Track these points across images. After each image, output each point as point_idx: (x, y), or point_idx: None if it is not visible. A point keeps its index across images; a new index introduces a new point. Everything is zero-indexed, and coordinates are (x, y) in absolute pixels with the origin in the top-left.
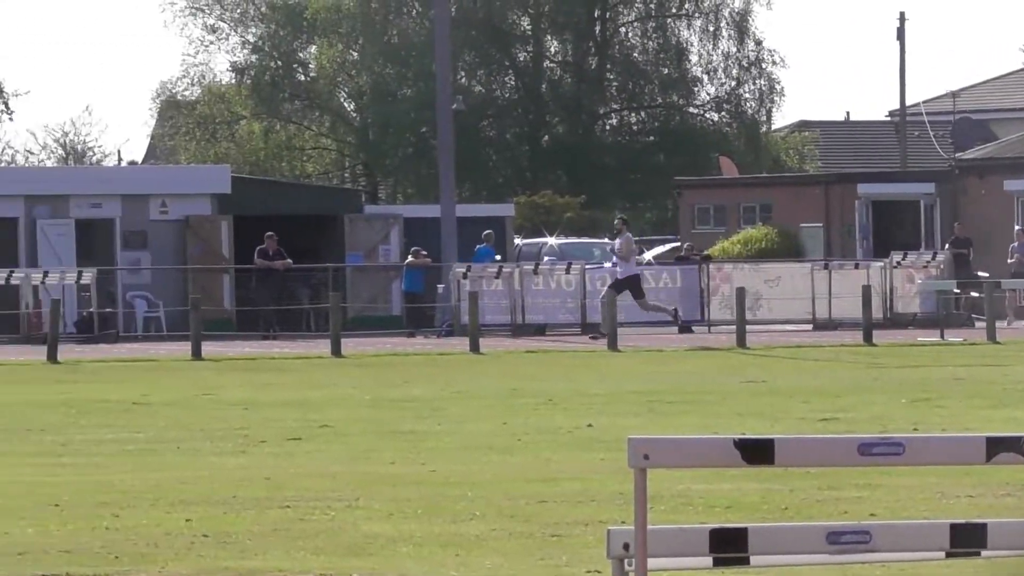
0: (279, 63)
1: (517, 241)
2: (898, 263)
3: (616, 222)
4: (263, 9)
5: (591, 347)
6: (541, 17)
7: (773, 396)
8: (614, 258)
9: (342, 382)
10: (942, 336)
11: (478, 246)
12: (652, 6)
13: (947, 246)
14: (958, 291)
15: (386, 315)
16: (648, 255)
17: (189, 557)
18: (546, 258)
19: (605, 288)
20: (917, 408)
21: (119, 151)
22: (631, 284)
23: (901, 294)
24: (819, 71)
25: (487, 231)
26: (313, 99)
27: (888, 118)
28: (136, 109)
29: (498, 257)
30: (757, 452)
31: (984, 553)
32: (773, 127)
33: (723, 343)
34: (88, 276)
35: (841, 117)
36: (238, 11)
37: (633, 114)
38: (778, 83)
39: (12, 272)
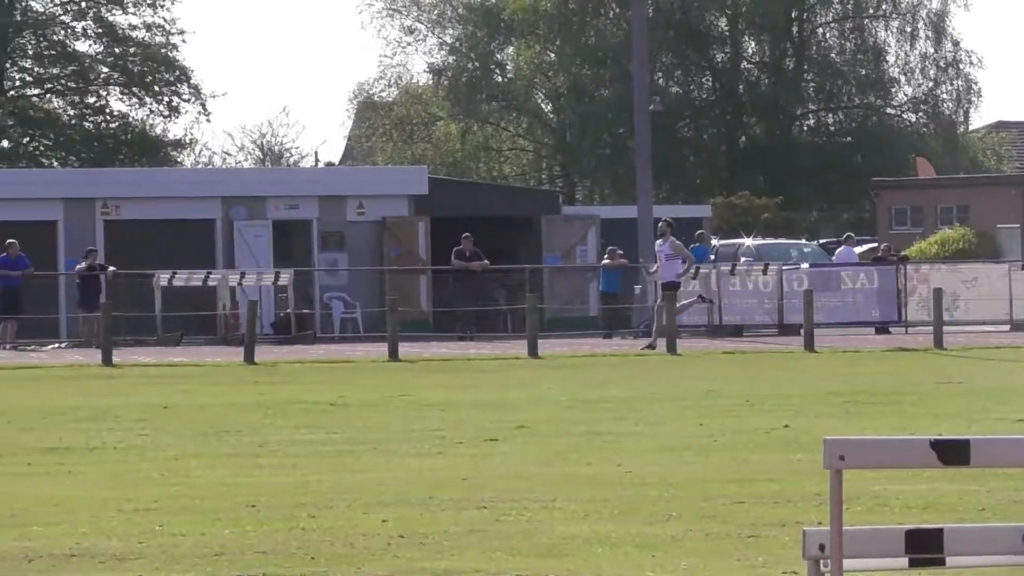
0: (476, 64)
1: (714, 242)
2: None
3: (661, 224)
4: (460, 10)
5: (788, 348)
6: (738, 18)
7: (970, 397)
8: (674, 260)
9: (539, 383)
10: None
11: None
12: (849, 7)
13: None
14: None
15: (583, 316)
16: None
17: (385, 558)
18: (743, 259)
19: (657, 300)
20: None
21: (316, 152)
22: (669, 288)
23: None
24: (1017, 71)
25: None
26: (510, 100)
27: None
28: (333, 110)
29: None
30: (953, 453)
31: None
32: (970, 128)
33: (920, 344)
34: (285, 277)
35: None
36: (435, 12)
37: (830, 115)
38: (975, 84)
39: (209, 274)
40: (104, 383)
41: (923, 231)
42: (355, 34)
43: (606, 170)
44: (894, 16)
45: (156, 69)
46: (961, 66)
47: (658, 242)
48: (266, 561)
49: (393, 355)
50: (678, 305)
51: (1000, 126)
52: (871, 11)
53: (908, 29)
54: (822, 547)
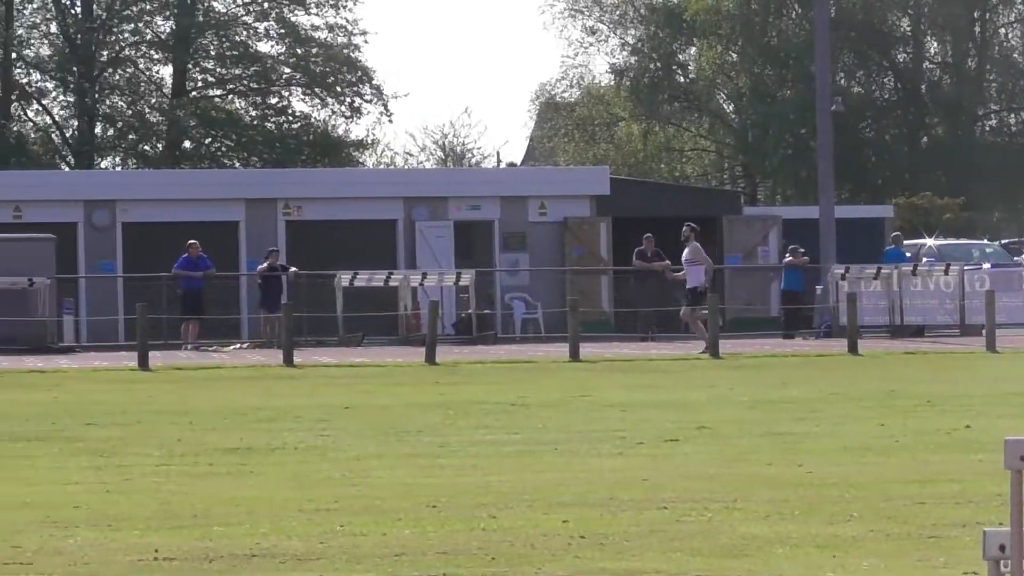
0: (658, 64)
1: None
2: None
3: (684, 230)
4: (642, 11)
5: (969, 348)
6: (921, 18)
7: None
8: (695, 266)
9: (720, 383)
10: None
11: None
12: None
13: None
14: None
15: (764, 316)
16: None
17: (566, 558)
18: (924, 259)
19: (683, 308)
20: None
21: (498, 153)
22: (694, 295)
23: None
24: None
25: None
26: (692, 101)
27: None
28: (515, 111)
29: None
30: None
31: None
32: None
33: None
34: (466, 278)
35: None
36: (617, 12)
37: (1013, 115)
38: None
39: (391, 274)
40: (285, 384)
41: None
42: (537, 35)
43: (788, 170)
44: None
45: (338, 70)
46: None
47: (685, 250)
48: (446, 561)
49: (574, 355)
50: (699, 321)
51: None
52: None
53: None
54: (1002, 547)
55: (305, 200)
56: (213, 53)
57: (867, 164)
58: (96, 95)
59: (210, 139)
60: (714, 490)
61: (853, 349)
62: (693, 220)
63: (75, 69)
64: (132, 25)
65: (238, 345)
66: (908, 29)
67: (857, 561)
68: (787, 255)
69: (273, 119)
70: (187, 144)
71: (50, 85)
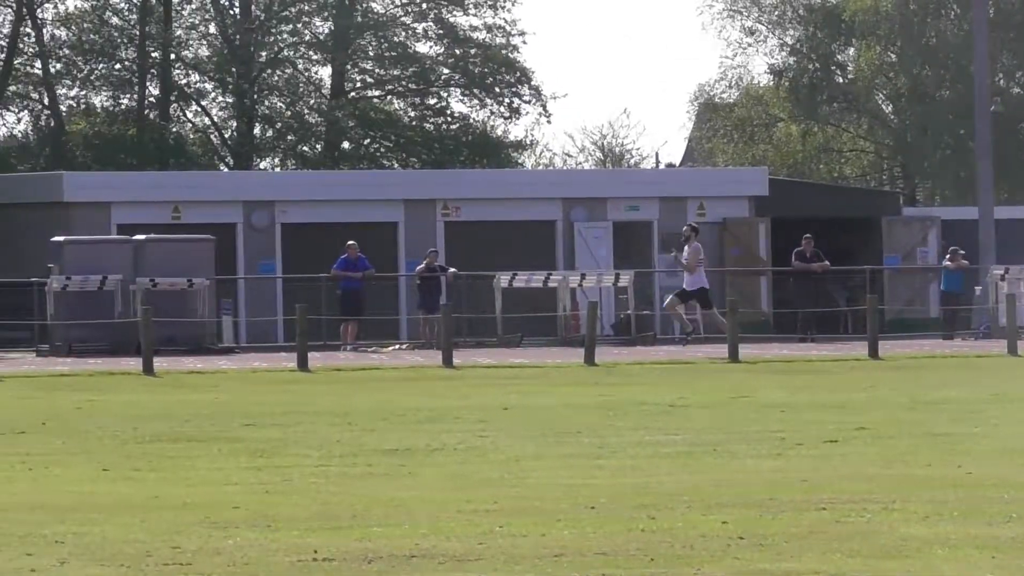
0: (817, 65)
1: None
2: None
3: (685, 229)
4: (801, 11)
5: None
6: None
7: None
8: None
9: (879, 384)
10: None
11: None
12: None
13: None
14: None
15: (923, 317)
16: None
17: (725, 559)
18: None
19: (669, 296)
20: None
21: (656, 153)
22: (699, 296)
23: None
24: None
25: None
26: (851, 101)
27: None
28: (673, 111)
29: None
30: None
31: None
32: None
33: None
34: (625, 279)
35: None
36: (776, 13)
37: None
38: None
39: (549, 275)
40: (444, 384)
41: None
42: (696, 35)
43: (946, 171)
44: None
45: (497, 71)
46: None
47: (684, 249)
48: (605, 562)
49: (733, 356)
50: (708, 312)
51: None
52: None
53: None
54: None
55: (464, 201)
56: (372, 54)
57: None
58: (255, 96)
59: (369, 140)
60: (873, 491)
61: (1012, 350)
62: (853, 221)
63: (234, 70)
64: (291, 26)
65: (397, 346)
66: None
67: (1017, 562)
68: (947, 257)
69: (432, 120)
70: (346, 145)
71: (209, 86)
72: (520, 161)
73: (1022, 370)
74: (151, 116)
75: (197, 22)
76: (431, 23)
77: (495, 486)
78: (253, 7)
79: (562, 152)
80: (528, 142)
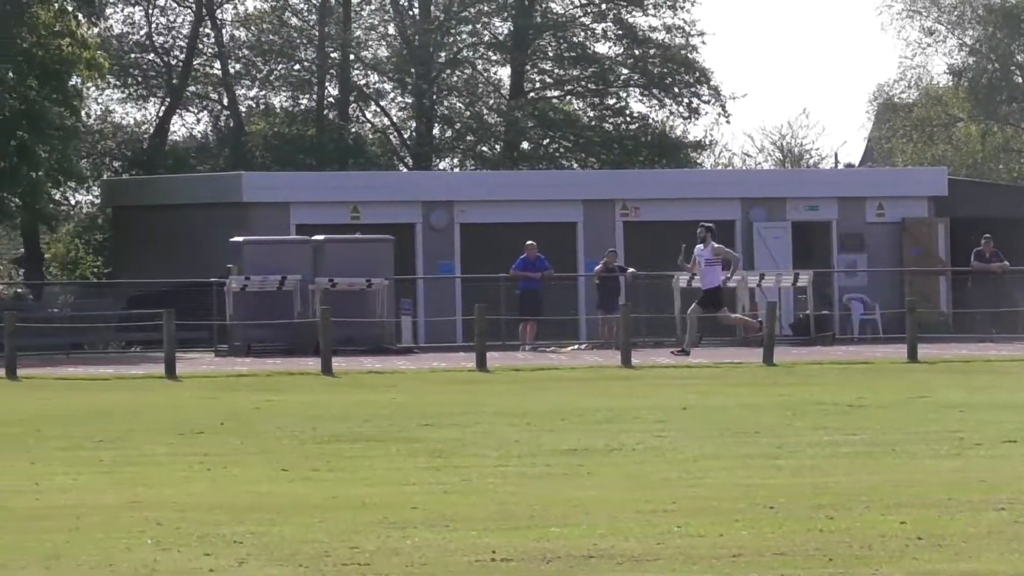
0: (996, 65)
1: None
2: None
3: (699, 231)
4: (980, 11)
5: None
6: None
7: None
8: (713, 265)
9: None
10: None
11: None
12: None
13: None
14: None
15: None
16: None
17: (903, 560)
18: None
19: (693, 304)
20: None
21: (836, 153)
22: (710, 297)
23: None
24: None
25: None
26: None
27: None
28: (853, 111)
29: None
30: None
31: None
32: None
33: None
34: (804, 279)
35: None
36: (955, 13)
37: None
38: None
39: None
40: (623, 384)
41: None
42: (874, 35)
43: None
44: None
45: (676, 71)
46: None
47: (698, 247)
48: (783, 563)
49: (912, 356)
50: (733, 316)
51: None
52: None
53: None
54: None
55: (643, 201)
56: (551, 54)
57: None
58: (434, 96)
59: (548, 140)
60: None
61: None
62: None
63: (413, 71)
64: (470, 26)
65: (576, 346)
66: None
67: None
68: None
69: (611, 120)
70: (525, 145)
71: (388, 86)
72: (699, 161)
73: None
74: (330, 116)
75: (376, 23)
76: (610, 23)
77: (673, 486)
78: (432, 7)
79: (741, 152)
80: (707, 142)
